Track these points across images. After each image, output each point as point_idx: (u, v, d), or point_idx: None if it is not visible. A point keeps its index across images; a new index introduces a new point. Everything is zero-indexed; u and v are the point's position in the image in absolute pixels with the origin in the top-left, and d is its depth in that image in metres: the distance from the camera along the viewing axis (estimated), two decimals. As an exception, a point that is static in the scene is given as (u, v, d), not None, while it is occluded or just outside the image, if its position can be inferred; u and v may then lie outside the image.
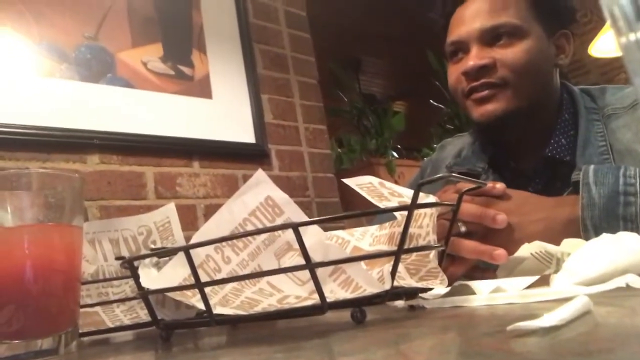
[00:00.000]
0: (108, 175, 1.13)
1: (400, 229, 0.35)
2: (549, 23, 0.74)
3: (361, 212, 0.35)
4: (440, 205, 0.41)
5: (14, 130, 1.03)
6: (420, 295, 0.39)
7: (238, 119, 1.35)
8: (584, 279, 0.35)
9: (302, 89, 1.59)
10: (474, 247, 0.53)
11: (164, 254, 0.39)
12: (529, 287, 0.36)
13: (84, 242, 0.43)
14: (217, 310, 0.34)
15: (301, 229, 0.32)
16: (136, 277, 0.38)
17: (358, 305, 0.33)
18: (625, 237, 0.39)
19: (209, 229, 0.37)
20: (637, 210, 0.52)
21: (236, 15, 1.44)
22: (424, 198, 0.38)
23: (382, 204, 0.39)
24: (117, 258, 0.46)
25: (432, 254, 0.40)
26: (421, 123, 3.52)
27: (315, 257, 0.33)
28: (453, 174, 0.42)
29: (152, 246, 0.48)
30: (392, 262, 0.34)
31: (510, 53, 0.69)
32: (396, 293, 0.36)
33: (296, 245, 0.32)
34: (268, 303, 0.35)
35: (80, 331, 0.41)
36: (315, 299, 0.32)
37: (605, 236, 0.40)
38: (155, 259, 0.41)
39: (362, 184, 0.41)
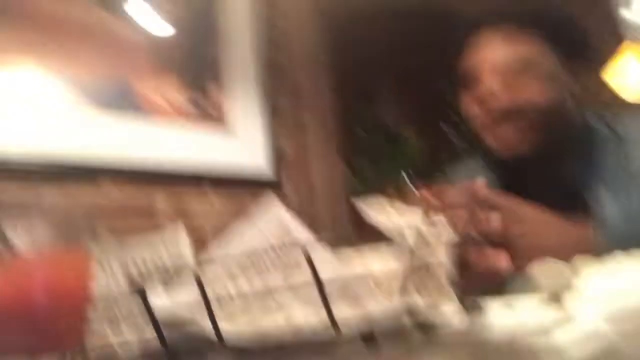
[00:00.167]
0: (120, 200, 1.14)
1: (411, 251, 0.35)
2: (565, 52, 0.73)
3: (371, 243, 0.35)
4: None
5: (30, 157, 1.04)
6: (429, 315, 0.38)
7: (252, 149, 1.37)
8: (614, 315, 0.33)
9: (317, 119, 1.59)
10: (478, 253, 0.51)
11: (173, 278, 0.39)
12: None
13: (94, 263, 0.43)
14: (224, 326, 0.34)
15: (312, 253, 0.31)
16: (148, 307, 0.37)
17: (371, 330, 0.32)
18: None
19: (220, 253, 0.37)
20: None
21: (253, 48, 1.46)
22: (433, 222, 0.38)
23: (391, 222, 0.39)
24: (128, 282, 0.46)
25: (445, 272, 0.39)
26: (436, 152, 3.51)
27: (326, 278, 0.32)
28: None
29: (162, 269, 0.47)
30: (402, 281, 0.34)
31: (534, 86, 0.69)
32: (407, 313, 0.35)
33: (306, 268, 0.32)
34: (275, 320, 0.35)
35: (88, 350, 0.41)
36: (324, 321, 0.32)
37: (624, 258, 0.39)
38: (164, 279, 0.40)
39: (372, 205, 0.40)
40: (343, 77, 1.94)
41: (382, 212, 0.40)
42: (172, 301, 0.37)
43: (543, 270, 0.45)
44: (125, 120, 1.18)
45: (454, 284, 0.40)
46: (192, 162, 1.25)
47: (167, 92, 1.27)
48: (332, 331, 0.31)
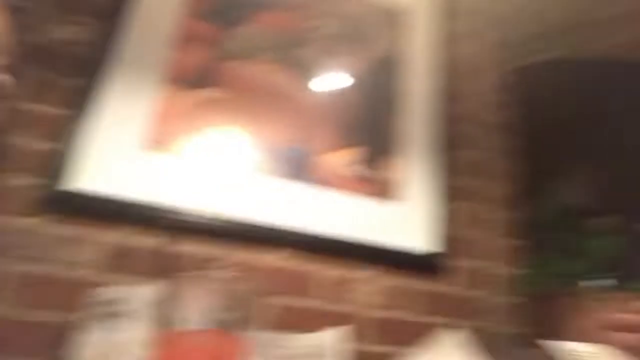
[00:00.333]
0: (283, 273, 1.08)
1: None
2: None
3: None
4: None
5: (206, 220, 1.04)
6: None
7: (423, 226, 1.27)
8: None
9: (495, 198, 1.43)
10: None
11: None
12: None
13: (251, 353, 0.44)
14: None
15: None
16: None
17: None
18: None
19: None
20: None
21: (432, 121, 1.39)
22: None
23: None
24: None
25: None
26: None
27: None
28: None
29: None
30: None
31: None
32: None
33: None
34: None
35: None
36: None
37: None
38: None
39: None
40: (528, 147, 1.70)
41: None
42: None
43: None
44: (299, 188, 1.16)
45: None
46: (359, 234, 1.18)
47: (344, 161, 1.24)
48: None
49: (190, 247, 1.01)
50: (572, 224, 2.76)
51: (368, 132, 1.32)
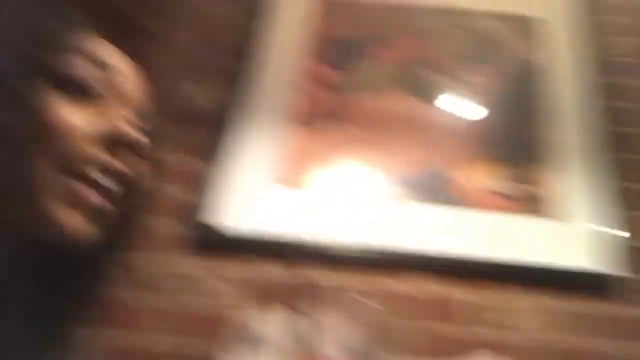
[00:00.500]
0: (423, 298, 1.02)
1: None
2: None
3: None
4: None
5: (344, 249, 1.05)
6: None
7: (585, 242, 1.10)
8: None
9: None
10: None
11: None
12: None
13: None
14: None
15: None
16: None
17: None
18: None
19: None
20: None
21: (588, 122, 1.23)
22: None
23: None
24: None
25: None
26: None
27: None
28: None
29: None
30: None
31: None
32: None
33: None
34: None
35: None
36: None
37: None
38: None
39: None
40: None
41: None
42: None
43: None
44: (438, 210, 1.11)
45: None
46: (507, 254, 1.06)
47: (483, 178, 1.16)
48: None
49: (328, 277, 1.00)
50: None
51: (510, 147, 1.21)
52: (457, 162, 1.17)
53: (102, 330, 0.53)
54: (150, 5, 1.32)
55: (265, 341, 0.78)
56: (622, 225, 1.10)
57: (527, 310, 1.02)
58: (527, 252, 1.07)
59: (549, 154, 1.19)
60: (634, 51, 1.36)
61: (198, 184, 1.08)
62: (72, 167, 0.38)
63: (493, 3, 1.39)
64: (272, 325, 0.82)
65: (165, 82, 1.18)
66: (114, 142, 0.40)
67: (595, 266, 1.06)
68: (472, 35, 1.34)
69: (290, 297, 0.93)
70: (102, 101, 0.41)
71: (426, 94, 1.25)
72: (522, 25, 1.37)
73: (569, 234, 1.10)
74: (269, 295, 0.97)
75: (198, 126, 1.16)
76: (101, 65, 0.42)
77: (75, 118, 0.38)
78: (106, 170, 0.40)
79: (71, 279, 0.45)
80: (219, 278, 1.00)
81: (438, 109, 1.25)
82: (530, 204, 1.13)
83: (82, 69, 0.40)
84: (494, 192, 1.14)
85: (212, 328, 0.91)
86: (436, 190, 1.13)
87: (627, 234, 1.09)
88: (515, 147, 1.21)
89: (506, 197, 1.14)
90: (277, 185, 1.09)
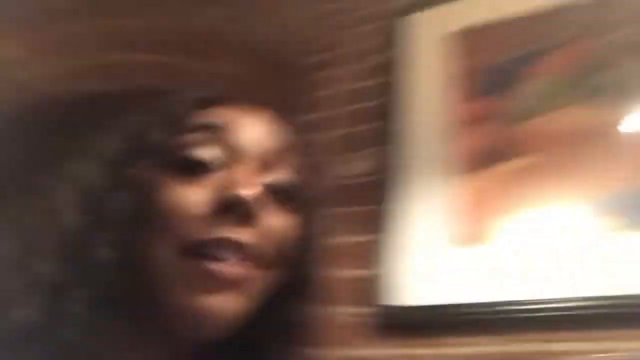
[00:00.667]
0: None
1: None
2: None
3: None
4: None
5: (562, 307, 0.85)
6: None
7: None
8: None
9: None
10: None
11: None
12: None
13: None
14: None
15: None
16: None
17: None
18: None
19: None
20: None
21: None
22: None
23: None
24: None
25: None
26: None
27: None
28: None
29: None
30: None
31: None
32: None
33: None
34: None
35: None
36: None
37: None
38: None
39: None
40: None
41: None
42: None
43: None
44: None
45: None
46: None
47: None
48: None
49: (553, 344, 0.82)
50: None
51: None
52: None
53: None
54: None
55: None
56: None
57: None
58: None
59: None
60: None
61: (369, 260, 1.00)
62: (195, 247, 0.36)
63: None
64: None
65: (319, 154, 1.15)
66: (236, 210, 0.37)
67: None
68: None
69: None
70: (224, 171, 0.39)
71: (605, 98, 1.04)
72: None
73: None
74: None
75: (359, 197, 1.10)
76: (221, 134, 0.40)
77: (191, 195, 0.37)
78: (229, 243, 0.37)
79: None
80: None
81: (622, 111, 1.01)
82: None
83: (200, 145, 0.39)
84: None
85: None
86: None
87: None
88: None
89: None
90: (457, 247, 0.96)
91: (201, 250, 0.36)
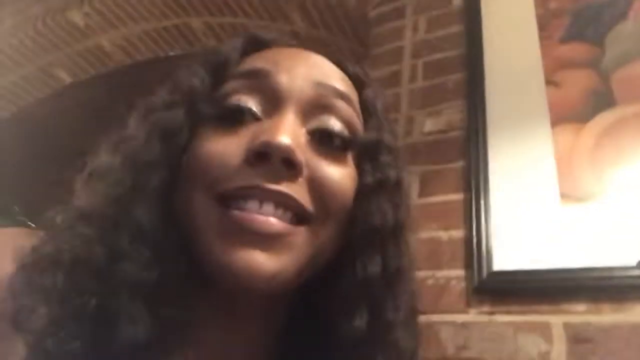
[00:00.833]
0: None
1: None
2: None
3: None
4: None
5: None
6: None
7: None
8: None
9: None
10: None
11: None
12: None
13: None
14: None
15: None
16: None
17: None
18: None
19: None
20: None
21: None
22: None
23: None
24: None
25: None
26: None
27: None
28: None
29: None
30: None
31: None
32: None
33: None
34: None
35: None
36: None
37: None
38: None
39: None
40: None
41: None
42: None
43: None
44: None
45: None
46: None
47: None
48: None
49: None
50: None
51: None
52: None
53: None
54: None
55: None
56: None
57: None
58: None
59: None
60: None
61: (464, 223, 0.94)
62: (229, 196, 0.34)
63: None
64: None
65: (402, 123, 1.10)
66: (272, 159, 0.34)
67: None
68: None
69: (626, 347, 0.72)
70: (265, 119, 0.36)
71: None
72: None
73: None
74: (595, 348, 0.76)
75: (445, 156, 1.04)
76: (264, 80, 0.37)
77: (227, 145, 0.35)
78: (266, 193, 0.34)
79: None
80: (526, 331, 0.82)
81: None
82: None
83: (240, 93, 0.37)
84: None
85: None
86: None
87: None
88: None
89: None
90: (563, 204, 0.88)
91: (237, 200, 0.34)
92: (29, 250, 0.33)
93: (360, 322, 0.36)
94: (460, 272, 0.90)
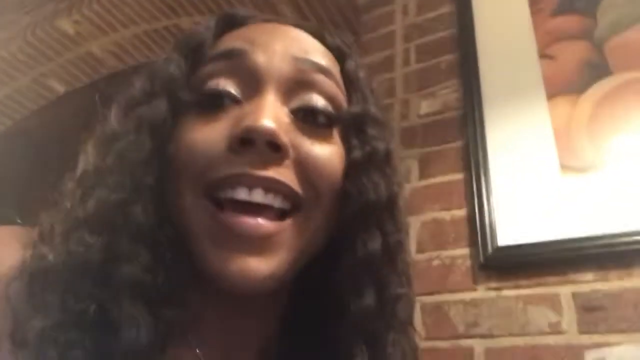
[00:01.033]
0: None
1: None
2: None
3: None
4: None
5: None
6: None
7: None
8: None
9: None
10: None
11: None
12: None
13: None
14: None
15: None
16: None
17: None
18: None
19: None
20: None
21: None
22: None
23: None
24: None
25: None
26: None
27: None
28: None
29: None
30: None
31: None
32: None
33: None
34: None
35: None
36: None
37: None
38: None
39: None
40: None
41: None
42: None
43: None
44: None
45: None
46: None
47: None
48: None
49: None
50: None
51: None
52: None
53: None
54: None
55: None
56: None
57: None
58: None
59: None
60: None
61: (466, 199, 0.94)
62: (214, 186, 0.33)
63: None
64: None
65: (399, 106, 1.10)
66: (255, 144, 0.32)
67: None
68: None
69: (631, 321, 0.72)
70: (245, 102, 0.35)
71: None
72: None
73: None
74: (601, 317, 0.76)
75: (442, 137, 1.04)
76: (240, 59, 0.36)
77: (207, 132, 0.33)
78: (253, 180, 0.32)
79: None
80: (533, 304, 0.82)
81: None
82: None
83: (216, 77, 0.35)
84: None
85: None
86: None
87: None
88: None
89: None
90: (564, 175, 0.88)
91: (225, 190, 0.33)
92: (27, 258, 0.32)
93: (369, 299, 0.35)
94: (465, 251, 0.90)
